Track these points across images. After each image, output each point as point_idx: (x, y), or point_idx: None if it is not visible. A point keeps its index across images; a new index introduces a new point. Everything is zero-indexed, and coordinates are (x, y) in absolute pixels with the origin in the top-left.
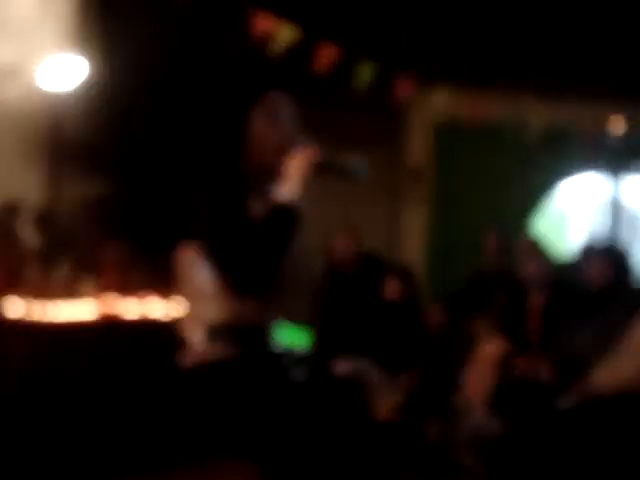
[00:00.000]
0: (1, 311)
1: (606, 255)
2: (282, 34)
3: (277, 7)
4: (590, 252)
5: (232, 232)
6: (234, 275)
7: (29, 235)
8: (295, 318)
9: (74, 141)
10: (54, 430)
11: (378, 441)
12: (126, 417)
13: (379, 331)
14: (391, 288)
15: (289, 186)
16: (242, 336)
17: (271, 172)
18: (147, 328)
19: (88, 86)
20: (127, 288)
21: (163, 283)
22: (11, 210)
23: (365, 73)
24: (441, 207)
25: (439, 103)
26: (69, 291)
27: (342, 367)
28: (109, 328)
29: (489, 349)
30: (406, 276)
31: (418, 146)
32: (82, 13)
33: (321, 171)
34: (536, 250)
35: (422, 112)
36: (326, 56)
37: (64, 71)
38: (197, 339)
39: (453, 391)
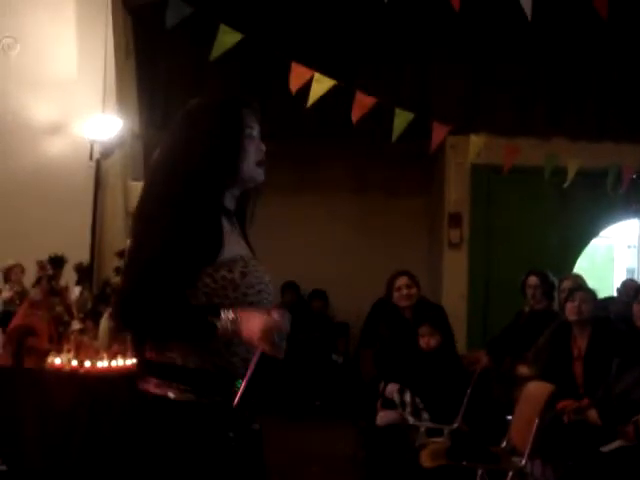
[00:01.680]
0: (48, 361)
1: None
2: (319, 85)
3: (314, 60)
4: (635, 291)
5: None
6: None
7: (73, 287)
8: None
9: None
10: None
11: None
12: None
13: (422, 377)
14: (426, 338)
15: (235, 325)
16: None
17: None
18: None
19: (125, 141)
20: None
21: None
22: (56, 263)
23: (401, 122)
24: (480, 250)
25: (475, 148)
26: (112, 342)
27: (387, 416)
28: None
29: (534, 391)
30: (440, 324)
31: (456, 190)
32: (119, 73)
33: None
34: (579, 290)
35: (459, 157)
36: (362, 106)
37: (103, 127)
38: None
39: (498, 435)
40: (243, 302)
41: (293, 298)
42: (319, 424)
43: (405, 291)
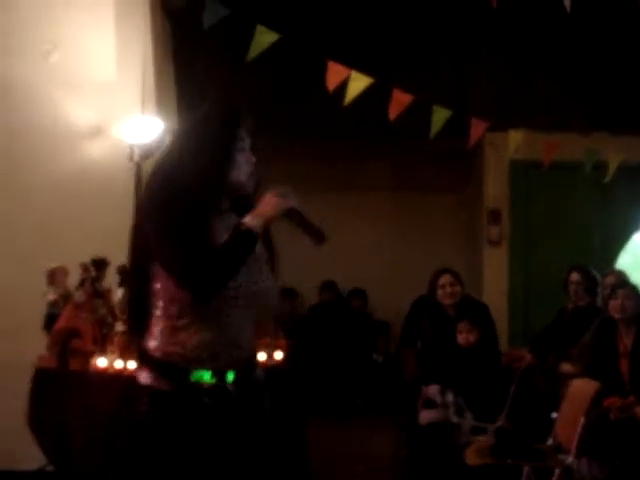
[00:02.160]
0: (92, 363)
1: None
2: (356, 84)
3: (351, 58)
4: None
5: (193, 245)
6: (190, 285)
7: (116, 289)
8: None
9: None
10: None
11: None
12: None
13: (464, 376)
14: (464, 334)
15: (256, 217)
16: None
17: (242, 193)
18: None
19: (164, 143)
20: None
21: None
22: (99, 265)
23: (439, 119)
24: (520, 246)
25: (514, 143)
26: None
27: (429, 415)
28: None
29: (580, 389)
30: (482, 321)
31: (494, 187)
32: (157, 75)
33: (289, 217)
34: (622, 287)
35: (497, 154)
36: (400, 103)
37: (143, 129)
38: None
39: (543, 433)
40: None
41: (332, 297)
42: (361, 423)
43: (449, 289)
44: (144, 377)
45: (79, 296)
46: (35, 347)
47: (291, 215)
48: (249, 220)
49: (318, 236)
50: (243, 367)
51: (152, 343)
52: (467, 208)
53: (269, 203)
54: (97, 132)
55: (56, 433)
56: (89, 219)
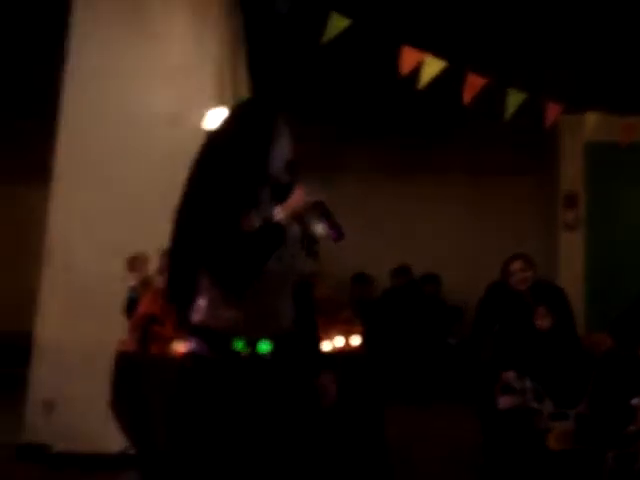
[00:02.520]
0: (172, 348)
1: None
2: (430, 67)
3: (424, 42)
4: None
5: (225, 238)
6: (221, 276)
7: None
8: None
9: None
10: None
11: (553, 470)
12: None
13: (542, 361)
14: (542, 318)
15: (284, 210)
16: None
17: (276, 185)
18: None
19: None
20: None
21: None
22: None
23: (514, 101)
24: (597, 230)
25: (590, 126)
26: None
27: (508, 400)
28: None
29: None
30: (559, 306)
31: (571, 170)
32: (233, 62)
33: (314, 211)
34: None
35: (573, 137)
36: (474, 86)
37: (220, 117)
38: None
39: (626, 418)
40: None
41: (405, 282)
42: (438, 408)
43: (520, 275)
44: (191, 346)
45: (159, 282)
46: (118, 332)
47: (317, 208)
48: (278, 213)
49: (339, 233)
50: (280, 338)
51: (197, 316)
52: (542, 192)
53: (297, 197)
54: (175, 120)
55: (137, 416)
56: (167, 207)
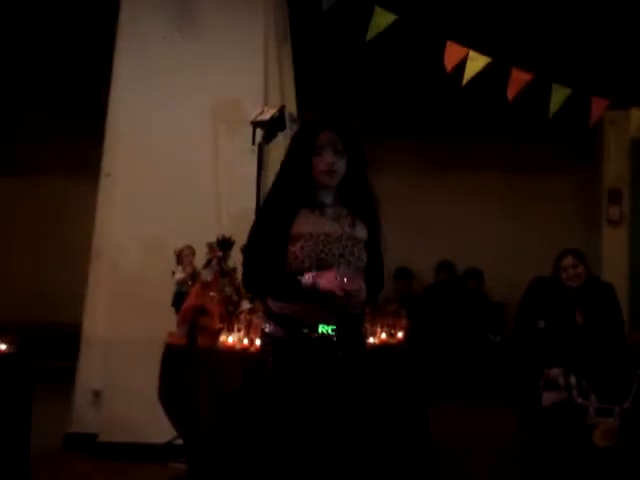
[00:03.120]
0: (220, 340)
1: None
2: (474, 62)
3: (468, 38)
4: None
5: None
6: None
7: (241, 269)
8: None
9: None
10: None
11: (597, 467)
12: None
13: (588, 356)
14: (579, 313)
15: (313, 281)
16: None
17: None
18: None
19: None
20: None
21: None
22: (225, 245)
23: (559, 97)
24: None
25: (636, 122)
26: None
27: (553, 396)
28: None
29: None
30: (606, 302)
31: (614, 166)
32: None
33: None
34: None
35: (618, 132)
36: (518, 82)
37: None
38: None
39: None
40: (301, 268)
41: (448, 277)
42: (481, 403)
43: (571, 271)
44: (268, 328)
45: (206, 275)
46: (165, 324)
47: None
48: (307, 278)
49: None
50: (344, 321)
51: (272, 302)
52: (586, 188)
53: (329, 281)
54: (222, 117)
55: (185, 407)
56: (214, 200)
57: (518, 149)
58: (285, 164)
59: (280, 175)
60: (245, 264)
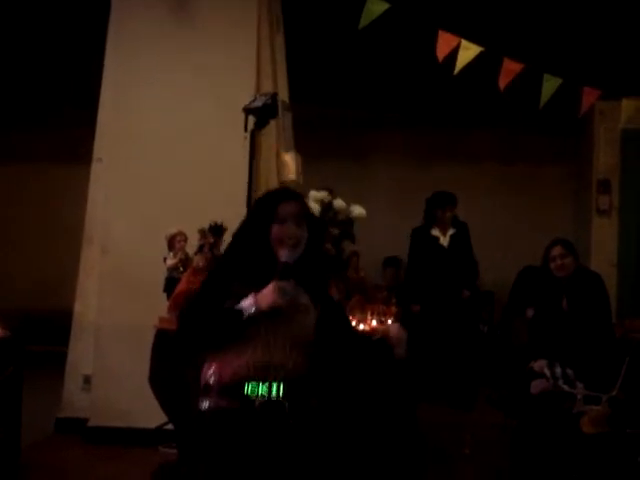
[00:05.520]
0: None
1: None
2: (465, 52)
3: (460, 27)
4: None
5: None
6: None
7: None
8: None
9: None
10: None
11: (585, 454)
12: None
13: (576, 345)
14: (567, 302)
15: (252, 303)
16: None
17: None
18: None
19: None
20: None
21: None
22: (217, 232)
23: (550, 87)
24: (631, 216)
25: (627, 112)
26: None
27: (540, 384)
28: None
29: None
30: (593, 291)
31: (604, 157)
32: (271, 46)
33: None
34: None
35: (608, 123)
36: (510, 72)
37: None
38: None
39: None
40: None
41: None
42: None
43: (559, 261)
44: (206, 404)
45: (198, 261)
46: (156, 310)
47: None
48: (247, 302)
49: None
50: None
51: (215, 369)
52: (576, 178)
53: (267, 296)
54: (213, 101)
55: (175, 392)
56: (206, 186)
57: (509, 139)
58: (241, 232)
59: (234, 243)
60: (180, 324)
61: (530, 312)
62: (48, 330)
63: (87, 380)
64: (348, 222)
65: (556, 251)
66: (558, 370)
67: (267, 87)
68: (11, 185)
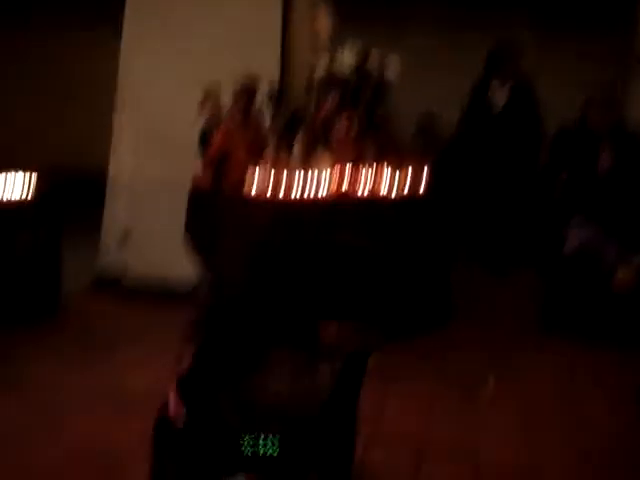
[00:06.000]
0: (244, 186)
1: None
2: None
3: None
4: None
5: None
6: None
7: (266, 112)
8: None
9: None
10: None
11: (614, 310)
12: None
13: (609, 203)
14: (604, 158)
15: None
16: None
17: None
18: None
19: None
20: (359, 159)
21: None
22: (250, 91)
23: None
24: None
25: None
26: (304, 165)
27: (574, 242)
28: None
29: None
30: (629, 149)
31: None
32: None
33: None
34: None
35: None
36: None
37: None
38: None
39: None
40: None
41: None
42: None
43: (599, 116)
44: None
45: (231, 120)
46: (190, 167)
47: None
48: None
49: None
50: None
51: None
52: (621, 53)
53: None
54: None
55: (210, 241)
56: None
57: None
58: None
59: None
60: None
61: (565, 176)
62: (84, 191)
63: (123, 237)
64: (380, 85)
65: (596, 106)
66: (594, 228)
67: None
68: (50, 40)
